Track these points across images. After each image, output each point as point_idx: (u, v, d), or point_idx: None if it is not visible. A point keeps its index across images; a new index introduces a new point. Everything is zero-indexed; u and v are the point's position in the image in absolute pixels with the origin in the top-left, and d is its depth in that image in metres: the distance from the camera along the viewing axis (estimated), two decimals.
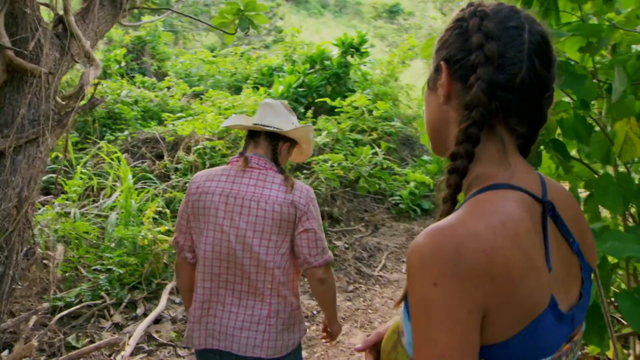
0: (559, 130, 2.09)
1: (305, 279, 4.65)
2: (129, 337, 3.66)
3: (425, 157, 8.85)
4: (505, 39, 0.89)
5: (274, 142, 2.12)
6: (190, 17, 7.15)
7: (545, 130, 2.01)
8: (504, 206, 0.85)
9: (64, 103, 2.72)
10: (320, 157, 6.33)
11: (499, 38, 0.89)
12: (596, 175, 2.19)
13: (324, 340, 2.34)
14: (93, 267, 4.25)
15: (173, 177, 5.63)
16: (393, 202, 7.95)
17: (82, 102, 2.84)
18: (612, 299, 2.16)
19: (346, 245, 6.40)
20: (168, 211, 4.80)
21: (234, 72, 9.71)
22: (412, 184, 7.70)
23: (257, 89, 8.65)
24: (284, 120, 2.13)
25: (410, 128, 9.46)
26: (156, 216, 4.59)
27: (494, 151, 0.92)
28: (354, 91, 9.28)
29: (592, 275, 0.98)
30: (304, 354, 3.81)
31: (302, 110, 7.97)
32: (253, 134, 2.15)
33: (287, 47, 9.95)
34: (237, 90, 9.15)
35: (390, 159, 7.80)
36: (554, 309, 0.83)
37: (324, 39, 12.99)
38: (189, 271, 2.13)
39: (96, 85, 3.05)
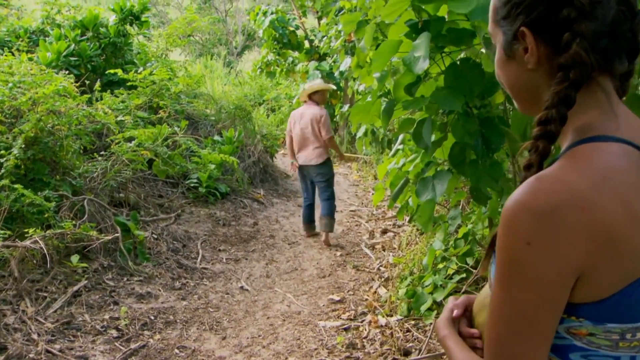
0: None
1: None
2: None
3: (217, 138, 8.34)
4: None
5: (313, 94, 6.19)
6: None
7: None
8: (605, 160, 0.80)
9: None
10: (125, 134, 5.44)
11: None
12: None
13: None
14: None
15: None
16: (190, 185, 7.33)
17: None
18: None
19: (155, 236, 5.66)
20: None
21: None
22: (212, 166, 7.17)
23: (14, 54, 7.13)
24: (313, 85, 6.29)
25: (193, 108, 8.84)
26: None
27: (595, 102, 0.87)
28: (133, 63, 8.33)
29: None
30: None
31: (88, 82, 6.78)
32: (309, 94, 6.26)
33: (50, 7, 8.40)
34: None
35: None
36: None
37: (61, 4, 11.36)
38: (291, 142, 6.33)
39: None
